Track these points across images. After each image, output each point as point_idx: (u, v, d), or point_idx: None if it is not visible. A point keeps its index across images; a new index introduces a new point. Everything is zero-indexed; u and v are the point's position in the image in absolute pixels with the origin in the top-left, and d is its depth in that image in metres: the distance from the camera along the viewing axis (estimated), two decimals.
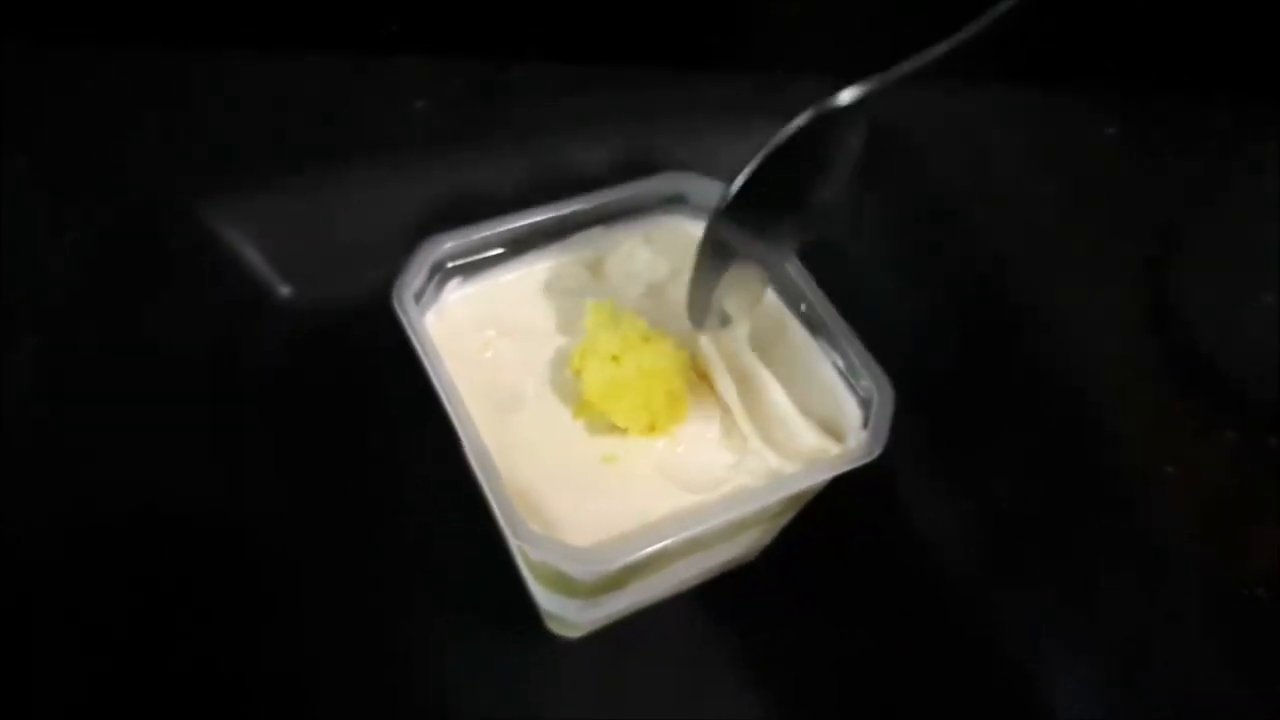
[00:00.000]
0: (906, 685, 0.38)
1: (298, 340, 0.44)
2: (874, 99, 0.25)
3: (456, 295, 0.35)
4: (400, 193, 0.49)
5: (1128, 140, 0.56)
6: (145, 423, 0.41)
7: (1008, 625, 0.40)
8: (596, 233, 0.36)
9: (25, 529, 0.38)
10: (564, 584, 0.31)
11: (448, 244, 0.34)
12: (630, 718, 0.37)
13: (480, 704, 0.36)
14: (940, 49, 0.25)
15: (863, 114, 0.26)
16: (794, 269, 0.34)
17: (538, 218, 0.35)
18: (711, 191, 0.36)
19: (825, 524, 0.36)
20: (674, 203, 0.37)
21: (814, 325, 0.34)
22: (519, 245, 0.36)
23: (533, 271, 0.36)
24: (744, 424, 0.33)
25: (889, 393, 0.31)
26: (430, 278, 0.34)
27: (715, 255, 0.30)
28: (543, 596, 0.35)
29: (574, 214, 0.36)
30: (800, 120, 0.26)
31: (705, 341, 0.33)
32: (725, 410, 0.33)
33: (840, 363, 0.33)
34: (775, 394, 0.33)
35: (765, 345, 0.35)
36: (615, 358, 0.32)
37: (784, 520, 0.36)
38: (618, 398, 0.32)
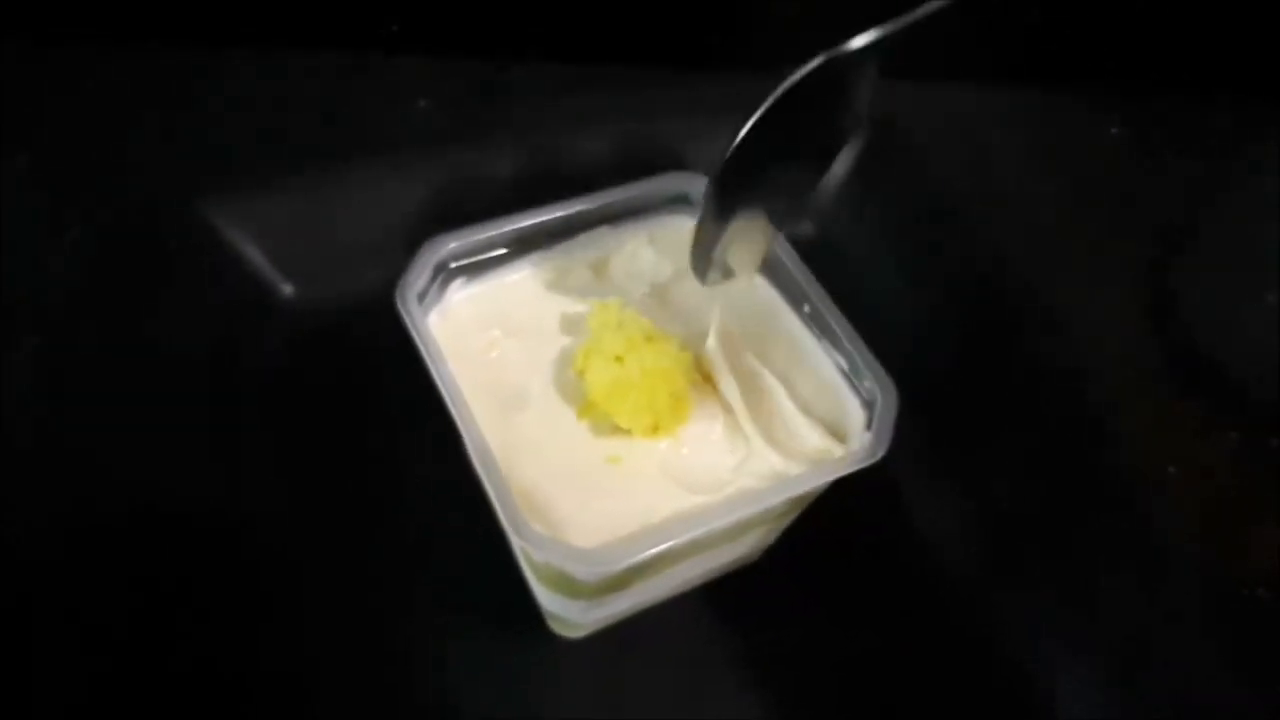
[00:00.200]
0: (908, 685, 0.38)
1: (298, 340, 0.44)
2: (885, 45, 0.24)
3: (460, 295, 0.35)
4: (401, 192, 0.49)
5: (1129, 140, 0.56)
6: (145, 423, 0.41)
7: (1008, 625, 0.40)
8: (600, 233, 0.36)
9: (25, 529, 0.38)
10: (567, 585, 0.31)
11: (451, 244, 0.34)
12: (632, 718, 0.37)
13: (481, 704, 0.36)
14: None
15: (873, 62, 0.25)
16: (798, 269, 0.34)
17: (541, 218, 0.35)
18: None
19: (827, 524, 0.36)
20: (678, 203, 0.37)
21: (817, 326, 0.34)
22: (523, 245, 0.35)
23: (536, 272, 0.36)
24: (747, 425, 0.33)
25: (893, 394, 0.31)
26: (434, 278, 0.34)
27: (720, 206, 0.29)
28: (545, 597, 0.35)
29: (578, 214, 0.36)
30: (810, 65, 0.25)
31: (709, 342, 0.33)
32: (729, 411, 0.33)
33: (844, 364, 0.33)
34: (779, 395, 0.33)
35: (769, 346, 0.35)
36: (619, 358, 0.32)
37: (787, 521, 0.36)
38: (622, 398, 0.31)
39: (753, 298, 0.36)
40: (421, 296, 0.33)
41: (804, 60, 0.26)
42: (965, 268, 0.51)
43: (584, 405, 0.33)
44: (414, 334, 0.31)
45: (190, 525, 0.39)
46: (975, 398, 0.45)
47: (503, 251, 0.35)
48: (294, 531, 0.39)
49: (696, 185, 0.36)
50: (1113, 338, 0.48)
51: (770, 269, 0.36)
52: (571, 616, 0.35)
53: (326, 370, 0.43)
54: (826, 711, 0.37)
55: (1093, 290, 0.50)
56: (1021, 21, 0.55)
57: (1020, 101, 0.56)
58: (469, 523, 0.37)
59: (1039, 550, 0.42)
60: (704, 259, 0.31)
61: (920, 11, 0.24)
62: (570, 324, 0.35)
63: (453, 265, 0.34)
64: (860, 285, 0.37)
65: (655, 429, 0.32)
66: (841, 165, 0.52)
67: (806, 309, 0.35)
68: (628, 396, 0.31)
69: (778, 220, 0.31)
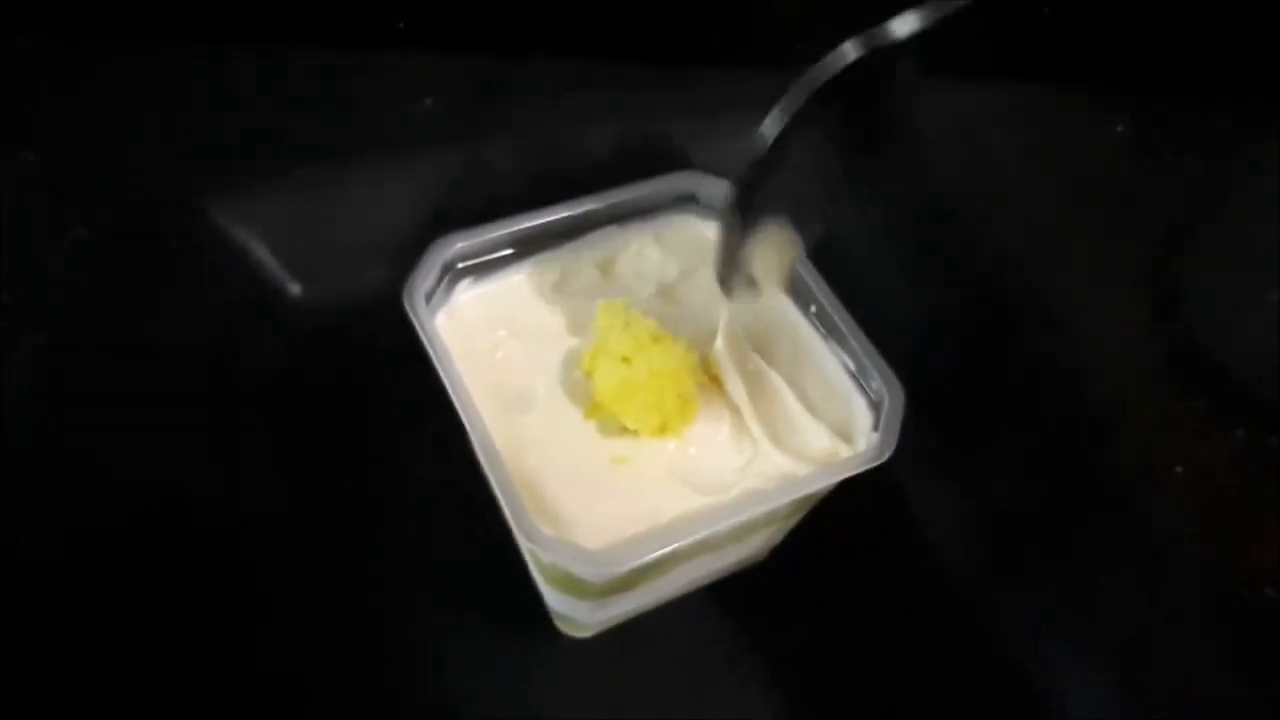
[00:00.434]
0: (911, 684, 0.38)
1: (298, 339, 0.44)
2: (928, 34, 0.21)
3: (467, 295, 0.35)
4: (403, 192, 0.49)
5: (1130, 140, 0.56)
6: (146, 423, 0.41)
7: (1009, 625, 0.40)
8: (607, 233, 0.36)
9: (25, 529, 0.38)
10: (574, 585, 0.31)
11: (458, 244, 0.34)
12: (637, 718, 0.37)
13: (482, 704, 0.36)
14: None
15: (914, 52, 0.22)
16: (804, 268, 0.34)
17: (548, 218, 0.35)
18: (721, 190, 0.36)
19: (831, 524, 0.36)
20: (684, 202, 0.37)
21: (824, 327, 0.34)
22: (529, 245, 0.35)
23: (543, 272, 0.36)
24: (754, 426, 0.33)
25: (900, 395, 0.31)
26: (441, 278, 0.34)
27: (744, 215, 0.27)
28: (552, 597, 0.35)
29: (584, 214, 0.36)
30: (845, 56, 0.22)
31: (717, 343, 0.33)
32: (735, 412, 0.33)
33: (850, 364, 0.33)
34: (785, 396, 0.33)
35: (775, 347, 0.35)
36: (626, 359, 0.32)
37: (793, 521, 0.36)
38: (629, 399, 0.31)
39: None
40: (428, 297, 0.33)
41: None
42: (966, 267, 0.51)
43: (591, 406, 0.33)
44: (421, 334, 0.31)
45: (190, 525, 0.39)
46: (976, 398, 0.45)
47: (509, 252, 0.35)
48: (294, 531, 0.39)
49: (703, 185, 0.36)
50: (1114, 337, 0.48)
51: None
52: (579, 617, 0.35)
53: (327, 370, 0.43)
54: (830, 711, 0.37)
55: (1094, 290, 0.50)
56: (1023, 20, 0.55)
57: (1021, 101, 0.56)
58: (469, 523, 0.37)
59: (1039, 550, 0.42)
60: (728, 270, 0.30)
61: (949, 4, 0.21)
62: (577, 324, 0.35)
63: (459, 265, 0.34)
64: (861, 284, 0.37)
65: (662, 430, 0.32)
66: (841, 165, 0.52)
67: (813, 309, 0.35)
68: (635, 397, 0.31)
69: (805, 228, 0.30)
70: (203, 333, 0.44)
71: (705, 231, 0.37)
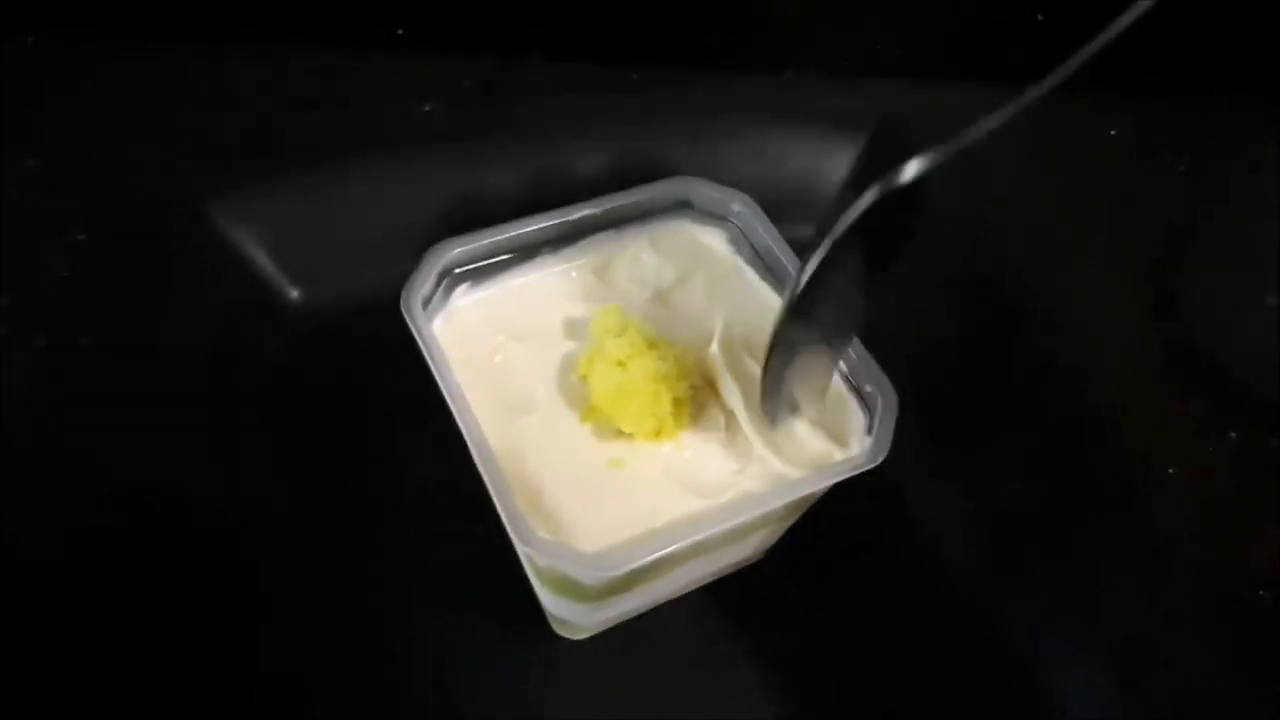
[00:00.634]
0: (909, 685, 0.38)
1: (298, 340, 0.44)
2: (937, 172, 0.24)
3: (465, 300, 0.35)
4: (402, 194, 0.49)
5: (1129, 140, 0.56)
6: (146, 423, 0.41)
7: (1009, 626, 0.40)
8: (603, 238, 0.36)
9: (25, 529, 0.38)
10: (570, 588, 0.31)
11: (456, 249, 0.34)
12: (635, 718, 0.37)
13: (481, 704, 0.36)
14: (1004, 114, 0.23)
15: (924, 187, 0.24)
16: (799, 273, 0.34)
17: (545, 223, 0.35)
18: (718, 196, 0.36)
19: (828, 524, 0.36)
20: (680, 208, 0.37)
21: None
22: (527, 250, 0.36)
23: (540, 277, 0.36)
24: (749, 429, 0.33)
25: (893, 399, 0.31)
26: (439, 283, 0.34)
27: (784, 350, 0.29)
28: (549, 600, 0.35)
29: (581, 219, 0.36)
30: (863, 203, 0.24)
31: (712, 347, 0.33)
32: (731, 415, 0.33)
33: (844, 368, 0.33)
34: None
35: None
36: (622, 363, 0.32)
37: (789, 523, 0.36)
38: (625, 403, 0.32)
39: (755, 302, 0.36)
40: (426, 302, 0.33)
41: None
42: (965, 267, 0.51)
43: (587, 410, 0.33)
44: (419, 339, 0.31)
45: (190, 525, 0.39)
46: (975, 398, 0.45)
47: (507, 257, 0.35)
48: (294, 531, 0.39)
49: (699, 190, 0.36)
50: (1113, 338, 0.48)
51: (771, 272, 0.36)
52: (575, 619, 0.35)
53: (326, 370, 0.43)
54: (828, 712, 0.37)
55: (1093, 290, 0.50)
56: (1021, 21, 0.55)
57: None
58: (469, 523, 0.37)
59: (1039, 550, 0.42)
60: (774, 402, 0.31)
61: (970, 135, 0.23)
62: (574, 329, 0.35)
63: (457, 270, 0.34)
64: None
65: (658, 433, 0.32)
66: (844, 168, 0.52)
67: None
68: (631, 401, 0.32)
69: (838, 346, 0.31)
70: (203, 333, 0.44)
71: (701, 237, 0.37)
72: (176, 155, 0.49)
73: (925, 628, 0.39)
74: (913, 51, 0.56)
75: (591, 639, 0.38)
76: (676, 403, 0.32)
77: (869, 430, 0.32)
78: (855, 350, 0.33)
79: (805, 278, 0.26)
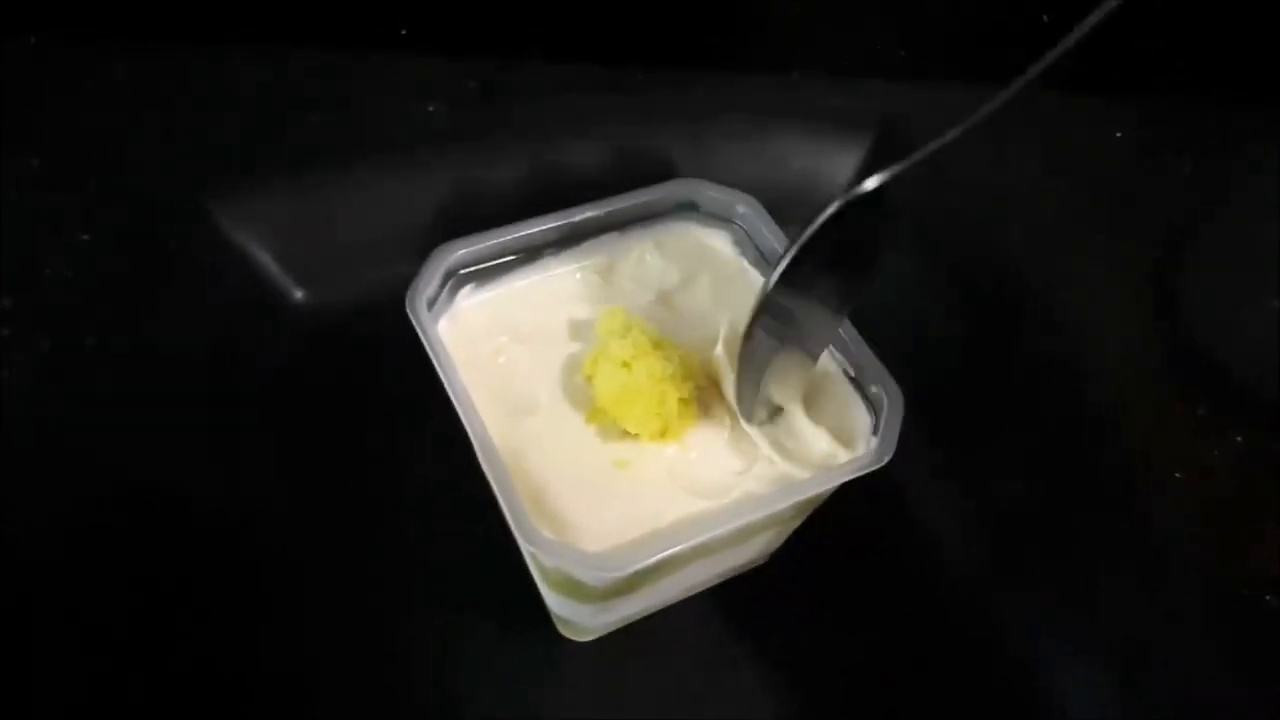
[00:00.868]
0: (911, 686, 0.38)
1: (298, 340, 0.44)
2: (899, 183, 0.25)
3: (470, 302, 0.35)
4: (403, 195, 0.49)
5: (1130, 141, 0.56)
6: (146, 423, 0.41)
7: (1009, 626, 0.40)
8: (608, 239, 0.37)
9: (25, 529, 0.38)
10: (575, 589, 0.31)
11: (461, 251, 0.34)
12: (636, 719, 0.37)
13: (482, 705, 0.36)
14: (966, 125, 0.25)
15: (887, 197, 0.25)
16: None
17: (549, 224, 0.35)
18: (722, 198, 0.37)
19: (831, 526, 0.36)
20: (685, 209, 0.37)
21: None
22: (531, 252, 0.36)
23: (545, 278, 0.36)
24: (754, 430, 0.33)
25: (899, 400, 0.31)
26: (443, 284, 0.34)
27: (756, 350, 0.30)
28: (554, 601, 0.35)
29: (585, 221, 0.36)
30: (826, 213, 0.25)
31: (716, 348, 0.33)
32: (735, 416, 0.33)
33: (850, 369, 0.33)
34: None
35: None
36: (626, 364, 0.32)
37: (794, 525, 0.36)
38: (629, 404, 0.32)
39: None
40: (431, 303, 0.33)
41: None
42: (967, 268, 0.51)
43: (592, 411, 0.33)
44: (424, 340, 0.31)
45: (190, 525, 0.39)
46: (976, 398, 0.45)
47: (511, 258, 0.35)
48: (294, 531, 0.39)
49: (703, 191, 0.37)
50: (1114, 338, 0.48)
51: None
52: (580, 620, 0.35)
53: (327, 370, 0.43)
54: (832, 713, 0.37)
55: (1094, 290, 0.50)
56: (1022, 21, 0.55)
57: (1023, 102, 0.56)
58: (469, 523, 0.37)
59: (1039, 550, 0.42)
60: (750, 401, 0.32)
61: (930, 147, 0.24)
62: (578, 330, 0.35)
63: (462, 272, 0.34)
64: None
65: (663, 434, 0.32)
66: (848, 169, 0.52)
67: None
68: (635, 402, 0.32)
69: (814, 346, 0.32)
70: (203, 333, 0.44)
71: (705, 238, 0.38)
72: (176, 155, 0.49)
73: (926, 628, 0.39)
74: (913, 51, 0.57)
75: (597, 640, 0.38)
76: (681, 404, 0.32)
77: (874, 431, 0.32)
78: (860, 351, 0.33)
79: (771, 282, 0.27)
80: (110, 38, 0.53)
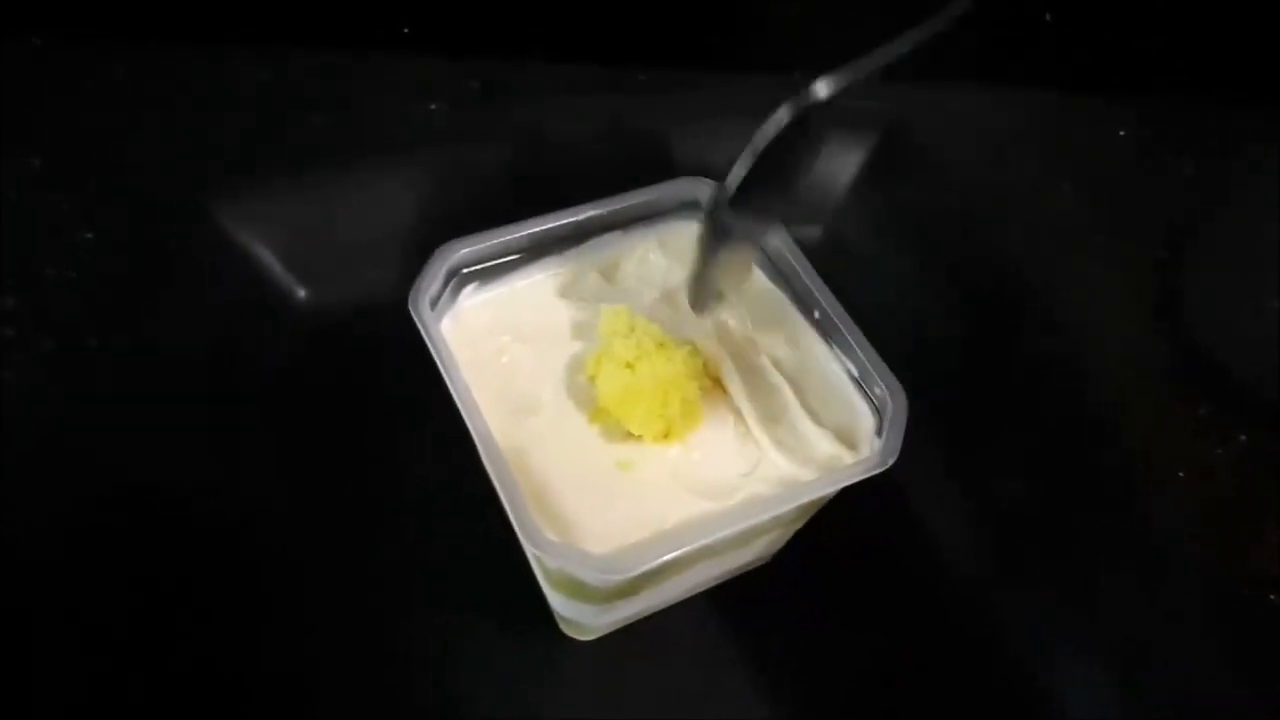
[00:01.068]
0: (913, 686, 0.38)
1: (299, 340, 0.44)
2: (846, 92, 0.27)
3: (472, 301, 0.35)
4: (404, 194, 0.49)
5: (1131, 141, 0.56)
6: (146, 423, 0.41)
7: (1010, 626, 0.40)
8: (611, 238, 0.36)
9: (25, 529, 0.38)
10: (579, 590, 0.31)
11: (463, 250, 0.34)
12: (636, 719, 0.37)
13: (482, 705, 0.36)
14: (910, 40, 0.27)
15: (834, 104, 0.27)
16: (807, 274, 0.34)
17: (552, 224, 0.35)
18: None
19: (834, 526, 0.36)
20: (688, 208, 0.37)
21: (827, 332, 0.34)
22: (535, 251, 0.35)
23: (548, 277, 0.36)
24: (758, 431, 0.33)
25: (903, 401, 0.31)
26: (446, 283, 0.34)
27: (712, 243, 0.30)
28: (557, 601, 0.35)
29: (588, 220, 0.36)
30: (781, 116, 0.27)
31: (720, 349, 0.33)
32: (739, 417, 0.33)
33: (854, 370, 0.33)
34: (789, 401, 0.33)
35: (779, 352, 0.35)
36: (630, 364, 0.32)
37: (797, 526, 0.36)
38: (633, 404, 0.32)
39: (763, 303, 0.36)
40: (434, 302, 0.33)
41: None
42: (968, 268, 0.51)
43: (595, 411, 0.33)
44: (427, 340, 0.31)
45: (190, 526, 0.39)
46: (976, 398, 0.45)
47: (514, 257, 0.35)
48: (294, 531, 0.39)
49: (706, 190, 0.36)
50: (1114, 338, 0.48)
51: (780, 274, 0.36)
52: (583, 620, 0.35)
53: (327, 370, 0.43)
54: (833, 713, 0.37)
55: (1095, 290, 0.50)
56: (1026, 23, 0.55)
57: (1024, 103, 0.56)
58: (469, 523, 0.37)
59: (1039, 550, 0.42)
60: (702, 292, 0.32)
61: (880, 55, 0.27)
62: (581, 330, 0.35)
63: (465, 271, 0.34)
64: (863, 286, 0.37)
65: (666, 435, 0.32)
66: (851, 170, 0.52)
67: (816, 314, 0.34)
68: (639, 403, 0.32)
69: (757, 241, 0.33)
70: (203, 333, 0.44)
71: None
72: (177, 155, 0.49)
73: (927, 628, 0.39)
74: (914, 52, 0.56)
75: (599, 640, 0.38)
76: (685, 404, 0.32)
77: (878, 432, 0.32)
78: (864, 352, 0.32)
79: (736, 180, 0.28)
80: (110, 38, 0.53)
